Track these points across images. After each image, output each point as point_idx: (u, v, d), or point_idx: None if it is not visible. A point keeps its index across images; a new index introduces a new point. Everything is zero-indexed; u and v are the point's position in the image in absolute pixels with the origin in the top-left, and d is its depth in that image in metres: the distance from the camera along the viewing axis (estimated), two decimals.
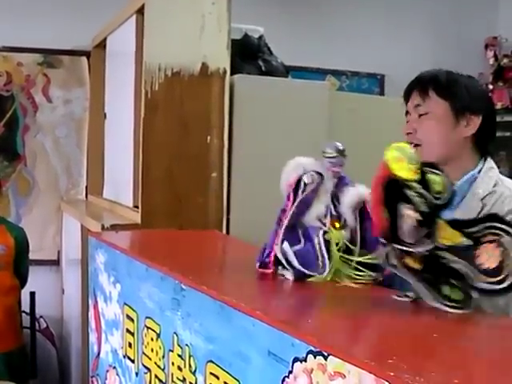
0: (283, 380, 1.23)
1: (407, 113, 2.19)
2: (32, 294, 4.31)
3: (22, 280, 4.01)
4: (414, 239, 1.34)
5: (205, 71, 3.06)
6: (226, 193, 3.06)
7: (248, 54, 3.42)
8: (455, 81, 2.14)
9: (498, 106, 5.57)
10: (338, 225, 1.68)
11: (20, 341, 4.03)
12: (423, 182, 1.38)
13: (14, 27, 4.48)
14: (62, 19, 4.54)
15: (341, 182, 1.76)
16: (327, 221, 1.69)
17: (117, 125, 3.83)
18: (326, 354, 1.12)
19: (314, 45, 5.17)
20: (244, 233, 2.96)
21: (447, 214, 1.96)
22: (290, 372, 1.21)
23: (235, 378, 1.40)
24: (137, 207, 3.13)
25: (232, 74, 3.10)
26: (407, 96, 2.19)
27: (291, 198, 1.80)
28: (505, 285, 1.34)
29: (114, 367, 2.23)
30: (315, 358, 1.15)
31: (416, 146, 2.08)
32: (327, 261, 1.63)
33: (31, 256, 4.12)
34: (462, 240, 1.38)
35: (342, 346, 1.14)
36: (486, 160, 2.14)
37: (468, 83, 2.16)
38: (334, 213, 1.71)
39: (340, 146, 1.77)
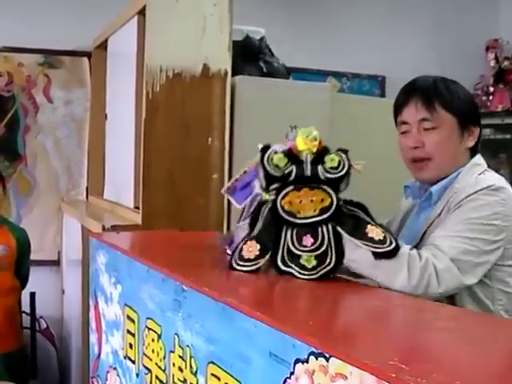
0: (285, 381, 1.23)
1: (403, 123, 2.13)
2: (32, 295, 4.31)
3: (23, 281, 4.00)
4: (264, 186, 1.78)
5: (206, 72, 3.07)
6: None
7: (249, 56, 3.43)
8: (455, 92, 2.11)
9: (499, 108, 5.58)
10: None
11: (20, 341, 4.02)
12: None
13: (15, 27, 4.48)
14: (64, 20, 4.54)
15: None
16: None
17: (118, 126, 3.83)
18: (327, 355, 1.12)
19: (315, 46, 5.17)
20: None
21: (427, 212, 2.03)
22: (292, 373, 1.21)
23: (236, 379, 1.40)
24: (137, 208, 3.13)
25: (233, 75, 3.11)
26: (403, 106, 2.12)
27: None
28: (391, 247, 1.71)
29: (115, 368, 2.23)
30: (317, 359, 1.15)
31: (423, 160, 2.09)
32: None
33: (32, 256, 4.12)
34: (308, 213, 1.72)
35: (343, 348, 1.14)
36: (472, 157, 2.14)
37: (463, 93, 2.14)
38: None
39: None
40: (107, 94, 4.14)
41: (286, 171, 1.73)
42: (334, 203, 1.72)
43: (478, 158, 2.14)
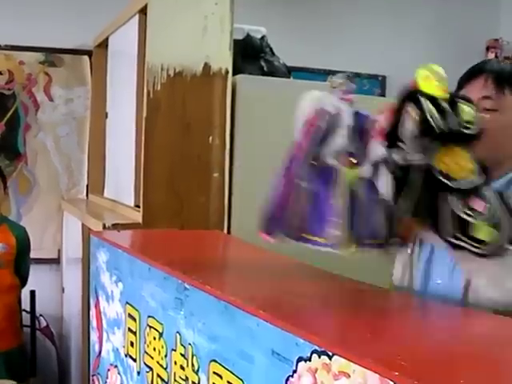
0: (287, 379, 1.23)
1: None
2: (32, 293, 4.31)
3: (23, 279, 4.01)
4: (410, 143, 1.36)
5: (207, 71, 3.07)
6: (227, 193, 3.07)
7: (250, 55, 3.43)
8: None
9: None
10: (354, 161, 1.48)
11: (20, 339, 4.03)
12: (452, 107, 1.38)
13: (15, 26, 4.49)
14: (64, 18, 4.55)
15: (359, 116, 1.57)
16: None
17: (118, 124, 3.83)
18: (330, 353, 1.12)
19: (316, 45, 5.18)
20: (245, 233, 2.96)
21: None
22: (294, 371, 1.21)
23: (239, 378, 1.40)
24: (138, 207, 3.13)
25: (234, 74, 3.11)
26: (469, 80, 1.98)
27: (311, 132, 1.56)
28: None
29: (116, 366, 2.23)
30: (320, 357, 1.15)
31: None
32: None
33: (32, 254, 4.12)
34: (469, 176, 1.39)
35: (346, 346, 1.14)
36: None
37: None
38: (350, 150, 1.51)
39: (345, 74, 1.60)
40: (108, 93, 4.14)
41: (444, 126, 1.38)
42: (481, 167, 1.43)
43: None
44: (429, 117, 1.36)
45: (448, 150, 1.40)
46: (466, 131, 1.38)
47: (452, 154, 1.41)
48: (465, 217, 1.39)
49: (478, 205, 1.39)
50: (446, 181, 1.39)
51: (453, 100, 1.40)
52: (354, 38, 5.32)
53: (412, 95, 1.41)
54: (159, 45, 3.06)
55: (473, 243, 1.39)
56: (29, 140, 4.60)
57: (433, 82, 1.40)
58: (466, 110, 1.40)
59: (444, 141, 1.39)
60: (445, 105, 1.37)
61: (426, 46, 5.56)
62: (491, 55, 5.72)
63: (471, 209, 1.39)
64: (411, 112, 1.37)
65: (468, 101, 1.44)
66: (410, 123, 1.37)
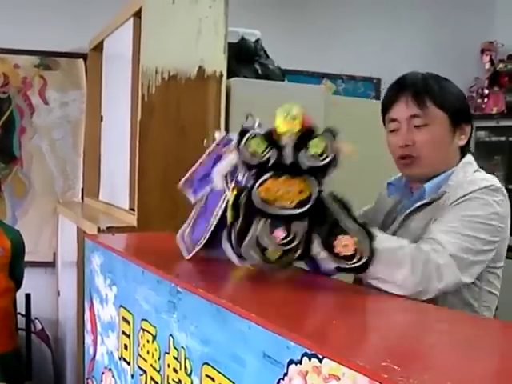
0: (278, 382, 1.24)
1: (392, 121, 2.07)
2: (27, 296, 4.31)
3: (18, 283, 4.00)
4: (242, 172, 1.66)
5: (201, 75, 3.07)
6: None
7: (244, 58, 3.44)
8: (446, 88, 2.05)
9: (494, 110, 5.60)
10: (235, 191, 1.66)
11: (15, 343, 4.02)
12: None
13: (10, 29, 4.49)
14: (59, 21, 4.56)
15: None
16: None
17: (113, 127, 3.84)
18: (320, 356, 1.13)
19: (311, 49, 5.19)
20: None
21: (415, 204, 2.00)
22: (285, 374, 1.22)
23: (231, 381, 1.41)
24: (133, 210, 3.14)
25: (228, 77, 3.11)
26: (392, 103, 2.06)
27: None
28: (360, 263, 1.53)
29: (110, 369, 2.23)
30: (310, 360, 1.15)
31: (414, 158, 2.03)
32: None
33: (27, 258, 4.12)
34: (286, 205, 1.55)
35: (336, 349, 1.15)
36: (463, 157, 2.09)
37: (455, 90, 2.08)
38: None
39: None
40: (103, 96, 4.14)
41: (265, 158, 1.58)
42: (313, 197, 1.57)
43: (470, 158, 2.10)
44: (245, 154, 1.59)
45: (280, 178, 1.56)
46: (310, 164, 1.56)
47: (283, 182, 1.56)
48: (262, 242, 1.56)
49: (279, 233, 1.54)
50: (259, 205, 1.55)
51: (304, 135, 1.58)
52: (349, 41, 5.34)
53: (242, 132, 1.66)
54: (154, 48, 3.06)
55: (262, 260, 1.57)
56: (24, 143, 4.61)
57: (284, 120, 1.60)
58: (316, 143, 1.56)
59: (279, 171, 1.56)
60: (283, 142, 1.58)
61: (420, 48, 5.58)
62: (486, 58, 5.75)
63: (271, 235, 1.55)
64: (236, 148, 1.63)
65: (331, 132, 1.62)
66: (238, 160, 1.62)
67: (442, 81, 2.08)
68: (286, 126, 1.60)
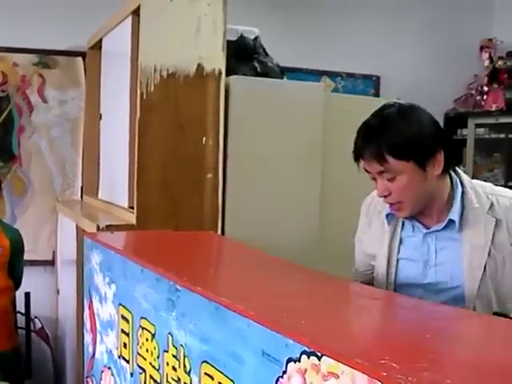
0: (277, 380, 1.24)
1: (366, 171, 2.11)
2: (27, 295, 4.31)
3: (17, 281, 4.00)
4: None
5: (200, 72, 3.07)
6: (221, 194, 3.07)
7: (243, 56, 3.43)
8: (404, 133, 2.03)
9: (493, 107, 5.60)
10: None
11: (15, 341, 4.02)
12: None
13: (9, 27, 4.48)
14: (58, 20, 4.55)
15: None
16: None
17: (112, 125, 3.83)
18: (319, 354, 1.13)
19: (310, 46, 5.18)
20: (239, 233, 2.97)
21: (456, 235, 2.07)
22: (284, 372, 1.22)
23: (229, 379, 1.41)
24: (132, 208, 3.13)
25: (227, 75, 3.11)
26: (360, 156, 2.09)
27: None
28: None
29: (109, 367, 2.23)
30: (309, 358, 1.15)
31: (398, 203, 2.10)
32: None
33: (26, 256, 4.11)
34: None
35: (335, 347, 1.15)
36: (457, 174, 2.17)
37: (416, 129, 2.05)
38: None
39: None
40: (101, 94, 4.13)
41: None
42: None
43: (460, 172, 2.19)
44: None
45: None
46: None
47: None
48: None
49: None
50: None
51: None
52: (348, 38, 5.33)
53: None
54: (152, 46, 3.06)
55: None
56: (23, 142, 4.60)
57: None
58: None
59: None
60: None
61: (420, 46, 5.58)
62: (485, 55, 5.75)
63: None
64: None
65: None
66: None
67: (401, 123, 2.05)
68: None
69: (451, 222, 2.12)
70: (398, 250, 2.25)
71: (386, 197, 2.10)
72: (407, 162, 2.01)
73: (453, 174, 2.17)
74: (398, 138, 2.01)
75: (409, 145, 2.01)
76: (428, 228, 2.19)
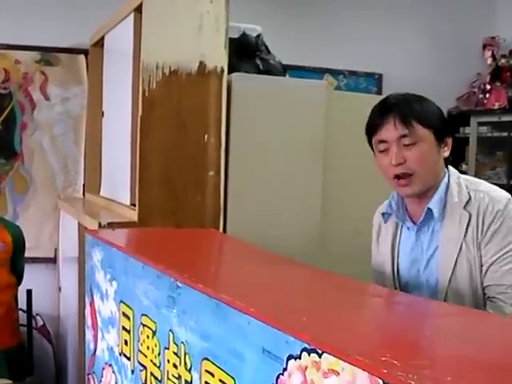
0: (278, 377, 1.23)
1: (381, 142, 2.14)
2: (29, 292, 4.31)
3: (18, 278, 4.01)
4: None
5: (202, 70, 3.06)
6: (222, 191, 3.06)
7: (245, 53, 3.43)
8: (428, 108, 2.15)
9: (496, 106, 5.59)
10: None
11: (17, 338, 4.02)
12: None
13: (11, 25, 4.48)
14: (60, 17, 4.55)
15: None
16: None
17: (114, 123, 3.83)
18: (320, 351, 1.13)
19: (312, 44, 5.17)
20: (241, 231, 2.97)
21: (437, 226, 2.06)
22: (285, 369, 1.22)
23: (230, 376, 1.41)
24: (134, 205, 3.13)
25: (229, 72, 3.10)
26: (380, 125, 2.14)
27: None
28: None
29: (110, 365, 2.23)
30: (309, 355, 1.15)
31: (405, 176, 2.12)
32: None
33: (28, 253, 4.12)
34: None
35: (336, 344, 1.14)
36: (447, 168, 2.21)
37: (435, 109, 2.18)
38: None
39: None
40: (104, 92, 4.13)
41: None
42: None
43: (451, 167, 2.23)
44: None
45: None
46: None
47: None
48: None
49: None
50: None
51: None
52: (351, 36, 5.32)
53: None
54: (154, 43, 3.05)
55: None
56: (25, 139, 4.60)
57: None
58: None
59: None
60: None
61: (422, 43, 5.57)
62: (488, 53, 5.74)
63: None
64: None
65: None
66: None
67: (423, 101, 2.17)
68: None
69: (429, 211, 2.16)
70: (398, 253, 2.29)
71: (399, 165, 2.11)
72: (429, 130, 2.10)
73: (448, 167, 2.23)
74: (424, 108, 2.13)
75: (433, 116, 2.14)
76: (415, 223, 2.23)
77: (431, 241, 2.19)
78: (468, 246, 2.08)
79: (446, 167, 2.22)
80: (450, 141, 2.17)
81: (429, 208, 2.15)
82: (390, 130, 2.11)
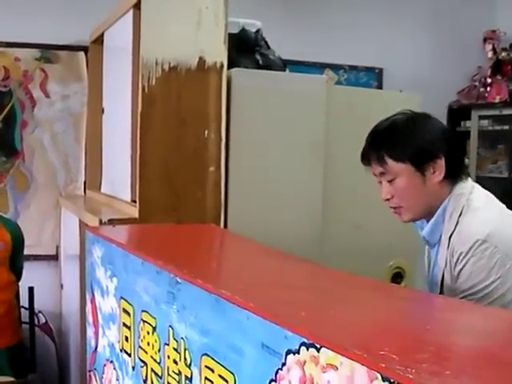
0: (276, 372, 1.23)
1: (373, 175, 2.19)
2: (31, 289, 4.31)
3: (18, 275, 4.01)
4: None
5: (202, 65, 3.06)
6: (223, 187, 3.06)
7: (245, 48, 3.42)
8: (406, 134, 2.10)
9: (497, 99, 5.58)
10: None
11: (19, 336, 4.03)
12: None
13: (11, 22, 4.48)
14: (60, 14, 4.54)
15: None
16: None
17: (114, 120, 3.83)
18: (318, 346, 1.12)
19: (312, 39, 5.17)
20: (242, 227, 2.96)
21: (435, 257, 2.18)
22: (284, 364, 1.21)
23: (230, 371, 1.40)
24: (134, 202, 3.13)
25: (229, 68, 3.10)
26: (365, 160, 2.18)
27: None
28: None
29: (111, 361, 2.23)
30: (308, 350, 1.15)
31: (399, 208, 2.14)
32: None
33: (30, 251, 4.13)
34: None
35: (334, 338, 1.14)
36: (453, 186, 2.14)
37: (417, 130, 2.11)
38: None
39: None
40: (104, 88, 4.13)
41: None
42: None
43: (460, 186, 2.13)
44: None
45: None
46: None
47: None
48: None
49: None
50: None
51: None
52: (351, 30, 5.32)
53: None
54: (153, 39, 3.05)
55: None
56: (26, 136, 4.60)
57: None
58: None
59: None
60: None
61: (422, 38, 5.56)
62: (488, 46, 5.73)
63: None
64: None
65: None
66: None
67: (399, 131, 2.12)
68: None
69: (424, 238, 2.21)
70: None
71: (388, 200, 2.15)
72: (404, 164, 2.08)
73: (456, 186, 2.15)
74: (397, 141, 2.09)
75: (406, 148, 2.08)
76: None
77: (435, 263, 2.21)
78: (446, 279, 2.08)
79: (455, 183, 2.14)
80: (439, 162, 2.09)
81: (423, 236, 2.19)
82: (373, 167, 2.15)
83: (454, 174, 2.13)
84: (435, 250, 2.19)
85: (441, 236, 2.13)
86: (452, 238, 2.06)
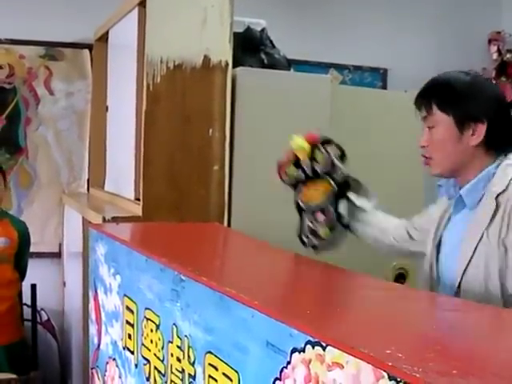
0: (281, 371, 1.23)
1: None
2: (33, 287, 4.31)
3: (22, 274, 4.01)
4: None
5: (207, 64, 3.06)
6: (227, 185, 3.06)
7: (250, 47, 3.42)
8: (458, 90, 2.07)
9: None
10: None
11: (21, 333, 4.03)
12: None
13: (16, 20, 4.48)
14: (65, 12, 4.54)
15: None
16: None
17: (119, 117, 3.82)
18: (324, 344, 1.12)
19: (317, 38, 5.16)
20: (245, 225, 2.96)
21: (466, 213, 2.00)
22: (289, 363, 1.21)
23: (234, 369, 1.40)
24: (138, 200, 3.13)
25: (234, 66, 3.10)
26: (417, 102, 2.15)
27: None
28: None
29: (114, 359, 2.23)
30: (313, 348, 1.14)
31: (430, 159, 2.10)
32: None
33: (33, 248, 4.12)
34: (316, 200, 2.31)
35: (340, 337, 1.13)
36: (505, 156, 2.06)
37: (471, 90, 2.08)
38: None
39: None
40: (108, 86, 4.13)
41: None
42: (332, 190, 2.28)
43: (510, 158, 2.05)
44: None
45: (308, 184, 2.33)
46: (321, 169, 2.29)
47: (310, 186, 2.32)
48: (310, 224, 2.29)
49: (320, 217, 2.27)
50: (301, 204, 2.34)
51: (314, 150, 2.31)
52: (356, 31, 5.30)
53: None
54: (159, 37, 3.05)
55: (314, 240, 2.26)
56: (29, 134, 4.59)
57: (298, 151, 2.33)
58: (318, 155, 2.29)
59: (310, 178, 2.32)
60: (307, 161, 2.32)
61: (427, 39, 5.54)
62: (493, 48, 5.71)
63: (315, 219, 2.28)
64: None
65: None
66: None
67: (457, 81, 2.10)
68: (301, 154, 2.32)
69: (460, 198, 2.07)
70: (441, 238, 2.18)
71: (422, 147, 2.11)
72: (447, 115, 2.04)
73: (499, 159, 2.07)
74: (447, 92, 2.07)
75: (453, 100, 2.05)
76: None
77: (460, 230, 2.08)
78: (489, 238, 1.94)
79: (505, 155, 2.06)
80: (480, 126, 2.02)
81: (460, 195, 2.07)
82: (421, 110, 2.12)
83: (496, 144, 2.06)
84: (463, 219, 2.08)
85: (481, 198, 2.01)
86: (500, 198, 1.96)
